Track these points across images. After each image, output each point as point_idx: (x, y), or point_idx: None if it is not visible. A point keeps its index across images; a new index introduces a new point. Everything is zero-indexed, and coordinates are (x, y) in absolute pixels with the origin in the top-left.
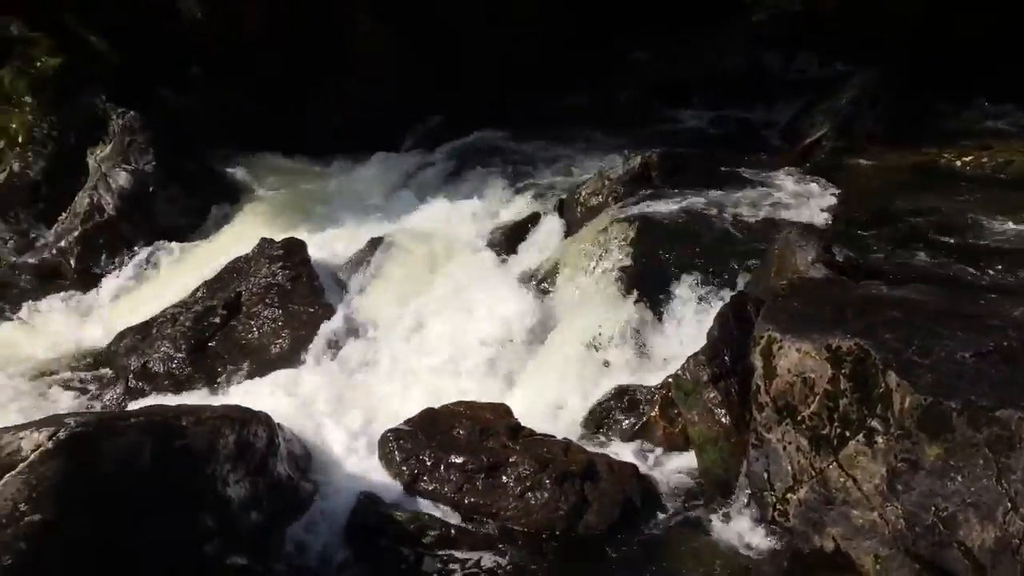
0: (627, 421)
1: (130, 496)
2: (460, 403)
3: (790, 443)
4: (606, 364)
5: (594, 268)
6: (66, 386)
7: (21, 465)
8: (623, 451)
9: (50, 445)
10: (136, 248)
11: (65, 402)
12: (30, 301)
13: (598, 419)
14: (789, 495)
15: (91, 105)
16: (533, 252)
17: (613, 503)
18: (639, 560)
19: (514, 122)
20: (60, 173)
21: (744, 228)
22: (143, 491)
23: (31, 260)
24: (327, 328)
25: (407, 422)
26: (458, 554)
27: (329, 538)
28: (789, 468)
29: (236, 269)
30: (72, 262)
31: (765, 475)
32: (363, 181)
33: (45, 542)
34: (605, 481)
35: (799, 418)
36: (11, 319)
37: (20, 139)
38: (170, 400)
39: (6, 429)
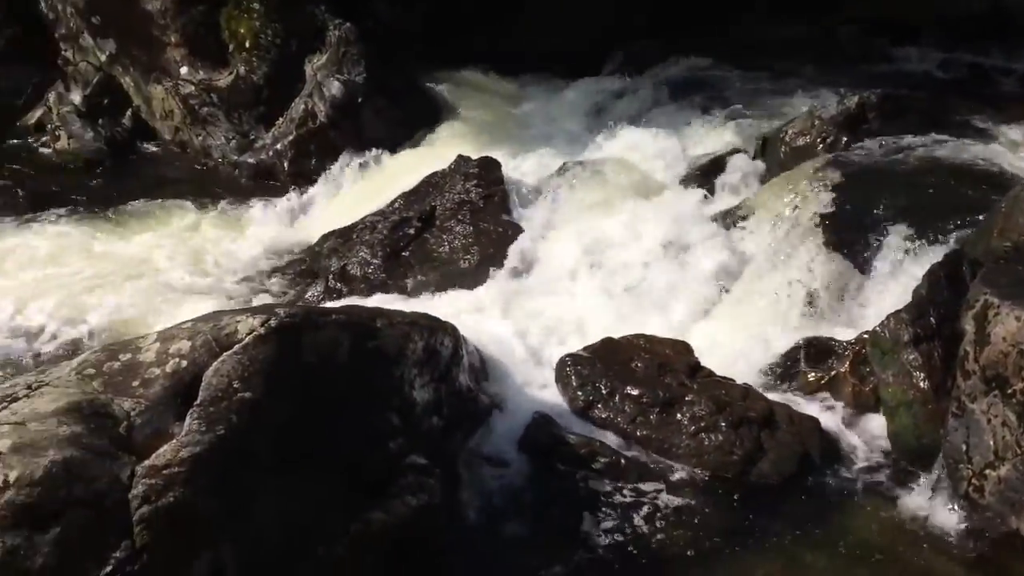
0: (813, 374)
1: (327, 386)
2: (640, 336)
3: (996, 416)
4: (798, 313)
5: (795, 212)
6: (274, 280)
7: (237, 346)
8: (806, 404)
9: (262, 330)
10: (343, 156)
11: (272, 295)
12: (247, 198)
13: (783, 369)
14: (988, 471)
15: (312, 14)
16: (729, 191)
17: (791, 455)
18: (812, 517)
19: (724, 51)
20: (280, 79)
21: (967, 182)
22: (339, 383)
23: (250, 160)
24: (515, 248)
25: (586, 349)
26: (626, 484)
27: (502, 450)
28: (991, 443)
29: (432, 183)
30: (285, 165)
31: (963, 447)
32: (561, 105)
33: (252, 418)
34: (784, 432)
35: (1010, 391)
36: (226, 214)
37: (247, 44)
38: (369, 302)
39: (227, 312)
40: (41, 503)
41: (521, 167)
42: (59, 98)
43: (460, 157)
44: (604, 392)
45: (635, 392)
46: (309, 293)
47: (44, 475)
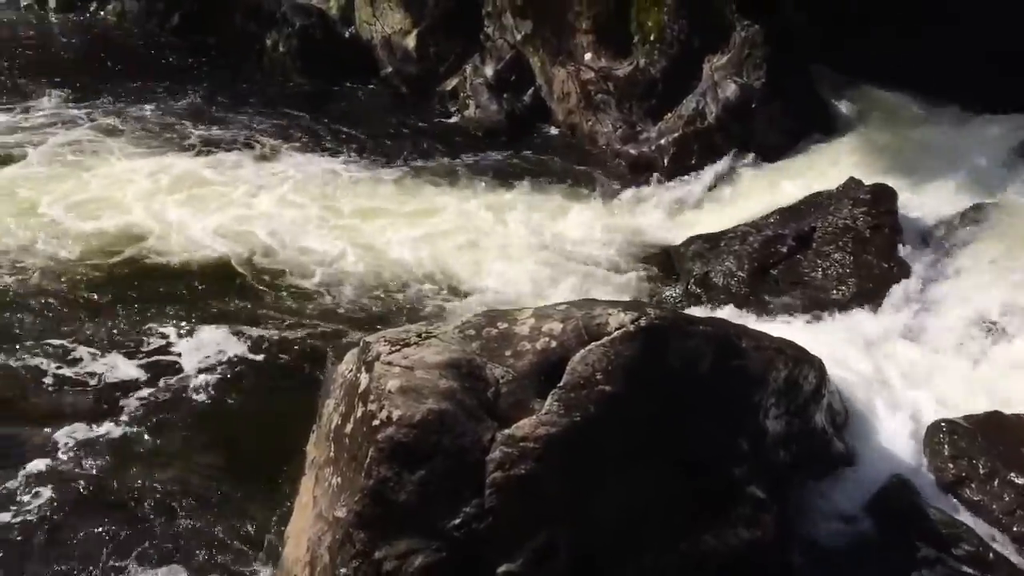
0: None
1: (684, 395)
2: None
3: None
4: None
5: None
6: (633, 272)
7: (605, 338)
8: None
9: (631, 328)
10: (725, 159)
11: (616, 286)
12: (622, 188)
13: None
14: None
15: (720, 13)
16: None
17: None
18: None
19: None
20: (676, 74)
21: None
22: (695, 394)
23: (631, 150)
24: (899, 289)
25: (967, 418)
26: None
27: (848, 505)
28: None
29: (815, 203)
30: (665, 160)
31: None
32: (975, 137)
33: (608, 411)
34: None
35: None
36: (599, 201)
37: (652, 37)
38: (723, 314)
39: (600, 303)
40: (415, 445)
41: (919, 201)
42: (474, 70)
43: (851, 179)
44: (981, 472)
45: (1020, 481)
46: (667, 292)
47: (421, 420)
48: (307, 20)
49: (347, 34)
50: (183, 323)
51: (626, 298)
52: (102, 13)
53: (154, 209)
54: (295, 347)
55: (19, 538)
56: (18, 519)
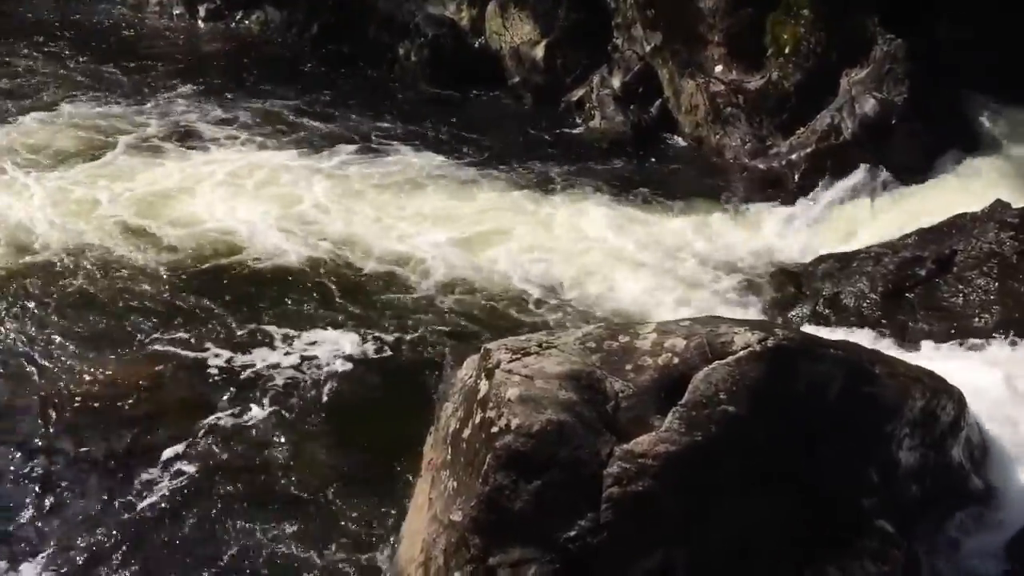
0: None
1: (811, 420)
2: None
3: None
4: None
5: None
6: (759, 289)
7: (730, 358)
8: None
9: (757, 348)
10: (859, 176)
11: (740, 303)
12: (748, 202)
13: None
14: None
15: (862, 26)
16: None
17: None
18: None
19: None
20: (811, 89)
21: None
22: (823, 420)
23: (760, 165)
24: None
25: None
26: None
27: (986, 545)
28: None
29: (957, 225)
30: (795, 176)
31: None
32: None
33: (730, 432)
34: None
35: None
36: (726, 214)
37: (787, 50)
38: (854, 338)
39: (724, 320)
40: (532, 454)
41: None
42: (601, 81)
43: (998, 202)
44: None
45: None
46: (793, 312)
47: (540, 430)
48: (439, 30)
49: (476, 44)
50: (302, 322)
51: (751, 316)
52: (246, 22)
53: (276, 207)
54: (411, 349)
55: (156, 520)
56: (154, 503)
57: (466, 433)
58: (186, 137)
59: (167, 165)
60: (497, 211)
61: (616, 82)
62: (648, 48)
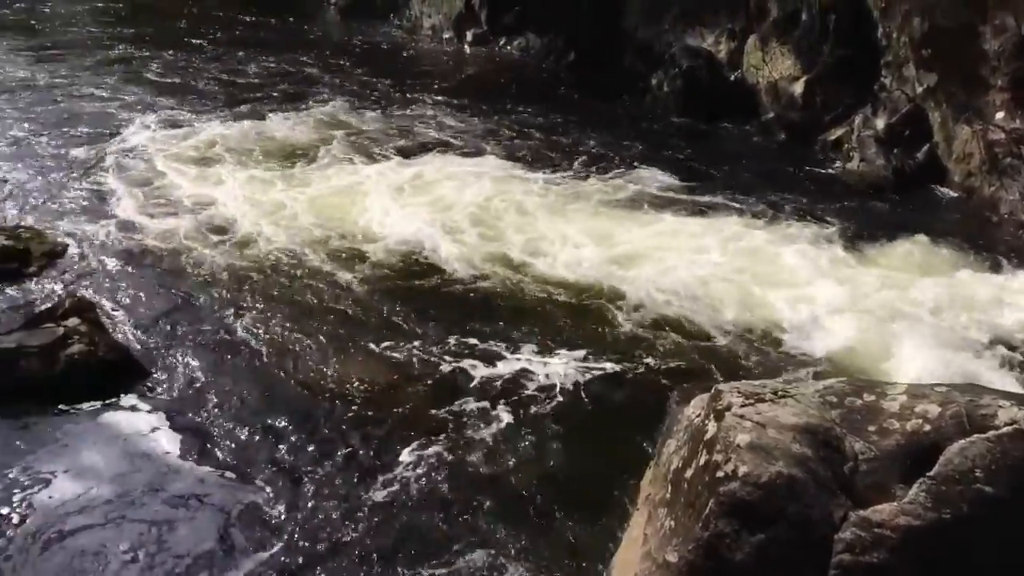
0: None
1: None
2: None
3: None
4: None
5: None
6: (1008, 359)
7: (991, 433)
8: None
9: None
10: None
11: (1000, 373)
12: (1021, 262)
13: None
14: None
15: None
16: None
17: None
18: None
19: None
20: None
21: None
22: None
23: None
24: None
25: None
26: None
27: None
28: None
29: None
30: None
31: None
32: None
33: (985, 515)
34: None
35: None
36: (997, 274)
37: None
38: None
39: (987, 391)
40: (759, 506)
41: None
42: (864, 121)
43: None
44: None
45: None
46: None
47: (769, 481)
48: (694, 62)
49: (732, 78)
50: (524, 339)
51: (1012, 388)
52: (508, 47)
53: (509, 224)
54: (632, 377)
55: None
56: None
57: (688, 473)
58: (439, 146)
59: (407, 171)
60: (736, 244)
61: (880, 123)
62: (920, 89)
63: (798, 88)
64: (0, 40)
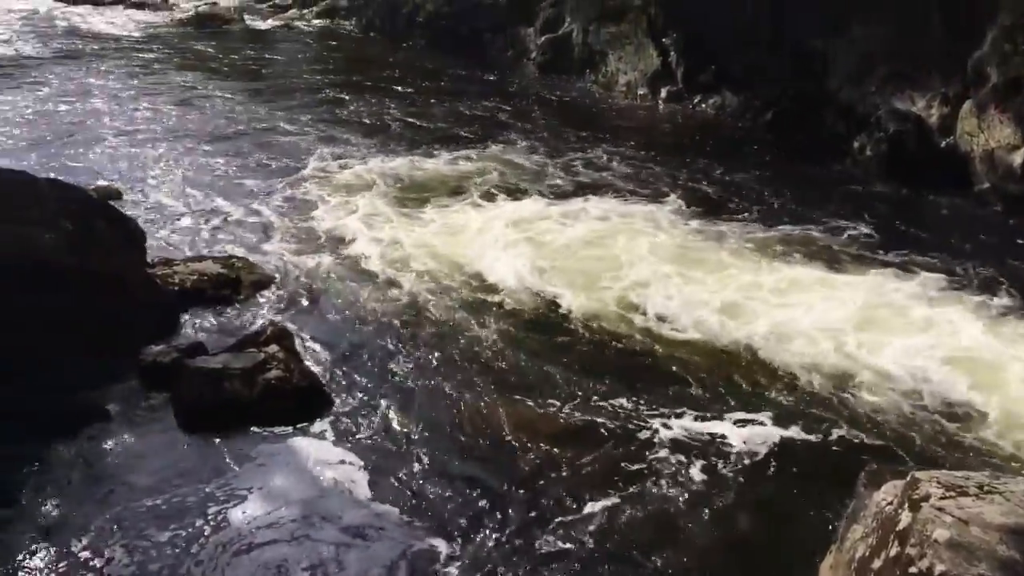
0: None
1: None
2: None
3: None
4: None
5: None
6: None
7: None
8: None
9: None
10: None
11: None
12: None
13: None
14: None
15: None
16: None
17: None
18: None
19: None
20: None
21: None
22: None
23: None
24: None
25: None
26: None
27: None
28: None
29: None
30: None
31: None
32: None
33: None
34: None
35: None
36: None
37: None
38: None
39: None
40: None
41: None
42: None
43: None
44: None
45: None
46: None
47: None
48: (902, 126)
49: (943, 144)
50: (707, 407)
51: None
52: (703, 106)
53: (652, 279)
54: (815, 450)
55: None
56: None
57: (876, 564)
58: (614, 191)
59: (588, 217)
60: (959, 326)
61: None
62: None
63: (1018, 158)
64: (227, 80)
